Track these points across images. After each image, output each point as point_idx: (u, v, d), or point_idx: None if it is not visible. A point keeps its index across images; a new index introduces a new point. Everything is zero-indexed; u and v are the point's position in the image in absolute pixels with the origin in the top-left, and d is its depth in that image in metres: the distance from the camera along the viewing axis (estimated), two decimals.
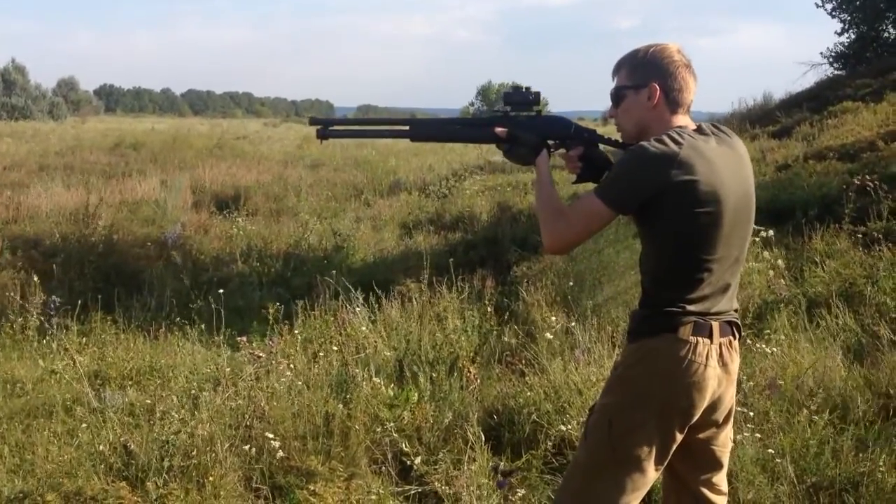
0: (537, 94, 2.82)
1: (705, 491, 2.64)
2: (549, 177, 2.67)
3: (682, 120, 2.53)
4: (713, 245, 2.41)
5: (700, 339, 2.42)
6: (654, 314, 2.48)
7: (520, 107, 2.82)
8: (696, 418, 2.47)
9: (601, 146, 2.78)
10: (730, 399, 2.57)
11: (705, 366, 2.42)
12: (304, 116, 79.49)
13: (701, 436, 2.56)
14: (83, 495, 3.66)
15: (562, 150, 2.80)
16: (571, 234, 2.52)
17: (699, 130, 2.49)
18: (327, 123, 2.97)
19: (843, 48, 20.28)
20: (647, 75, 2.52)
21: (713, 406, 2.51)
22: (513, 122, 2.80)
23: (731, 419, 2.64)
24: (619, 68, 2.61)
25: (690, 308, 2.43)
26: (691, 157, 2.35)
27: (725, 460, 2.66)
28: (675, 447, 2.49)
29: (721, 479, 2.67)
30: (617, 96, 2.61)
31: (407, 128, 2.93)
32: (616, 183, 2.46)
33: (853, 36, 20.20)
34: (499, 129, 2.77)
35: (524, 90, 2.82)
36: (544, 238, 2.59)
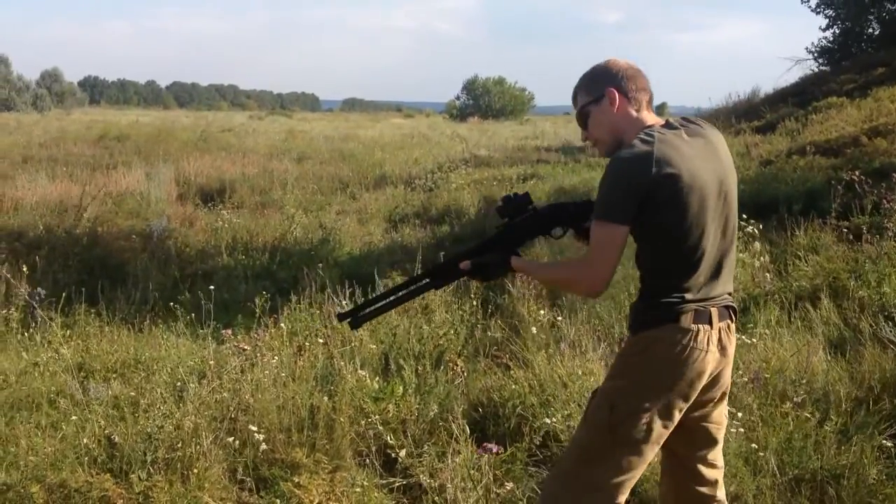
0: (526, 194, 2.86)
1: (701, 467, 2.71)
2: (533, 264, 2.82)
3: (648, 117, 2.60)
4: (701, 231, 2.46)
5: (701, 326, 2.48)
6: (654, 305, 2.53)
7: (516, 213, 2.84)
8: (692, 401, 2.54)
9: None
10: (726, 379, 2.64)
11: (706, 352, 2.48)
12: (290, 109, 79.30)
13: (696, 413, 2.63)
14: (67, 487, 3.65)
15: (571, 233, 2.87)
16: (601, 268, 2.51)
17: (667, 125, 2.55)
18: (354, 313, 3.01)
19: (827, 43, 20.39)
20: (601, 85, 2.62)
21: (709, 385, 2.58)
22: (515, 231, 2.83)
23: (726, 397, 2.71)
24: (576, 93, 2.72)
25: (689, 296, 2.49)
26: (665, 152, 2.41)
27: (720, 436, 2.74)
28: (672, 429, 2.55)
29: (716, 454, 2.74)
30: (583, 116, 2.68)
31: (426, 282, 2.96)
32: (609, 199, 2.47)
33: (838, 31, 20.31)
34: (462, 265, 2.84)
35: (512, 197, 2.85)
36: (579, 290, 2.73)
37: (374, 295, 3.09)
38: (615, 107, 2.59)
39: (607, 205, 2.46)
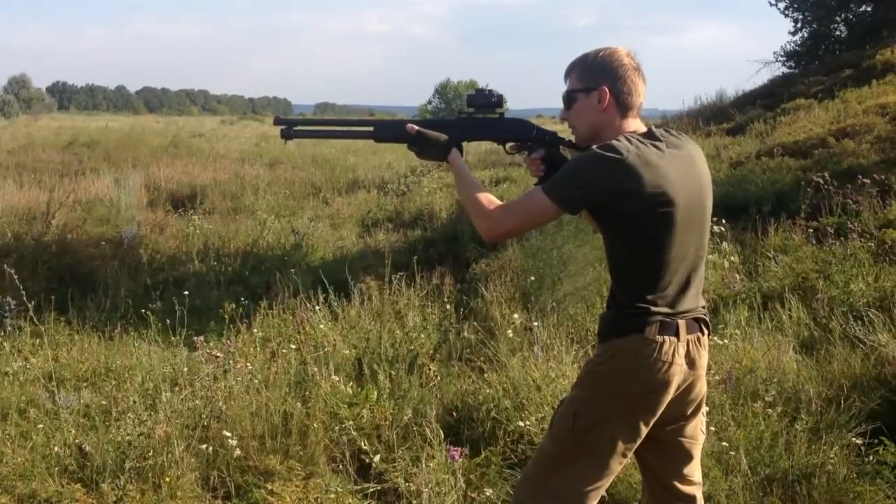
0: (500, 96, 2.85)
1: (676, 483, 2.68)
2: (467, 171, 2.74)
3: (632, 123, 2.59)
4: (670, 246, 2.45)
5: (667, 337, 2.46)
6: (621, 315, 2.52)
7: (483, 109, 2.85)
8: (659, 414, 2.52)
9: (563, 148, 2.81)
10: (697, 392, 2.61)
11: (671, 363, 2.46)
12: (262, 114, 78.96)
13: (669, 428, 2.61)
14: (37, 498, 3.62)
15: (524, 153, 2.84)
16: (512, 224, 2.59)
17: (648, 134, 2.53)
18: (291, 124, 2.98)
19: (795, 46, 20.57)
20: (597, 78, 2.58)
21: (679, 399, 2.55)
22: (474, 123, 2.84)
23: (700, 412, 2.68)
24: (570, 71, 2.66)
25: (655, 308, 2.47)
26: (637, 164, 2.39)
27: (696, 452, 2.71)
28: (639, 442, 2.54)
29: (692, 470, 2.71)
30: (569, 99, 2.66)
31: (371, 129, 2.95)
32: (565, 183, 2.49)
33: (806, 34, 20.50)
34: (409, 126, 2.82)
35: (487, 92, 2.86)
36: (481, 226, 2.64)
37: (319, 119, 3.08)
38: (602, 105, 2.56)
39: (561, 189, 2.48)
